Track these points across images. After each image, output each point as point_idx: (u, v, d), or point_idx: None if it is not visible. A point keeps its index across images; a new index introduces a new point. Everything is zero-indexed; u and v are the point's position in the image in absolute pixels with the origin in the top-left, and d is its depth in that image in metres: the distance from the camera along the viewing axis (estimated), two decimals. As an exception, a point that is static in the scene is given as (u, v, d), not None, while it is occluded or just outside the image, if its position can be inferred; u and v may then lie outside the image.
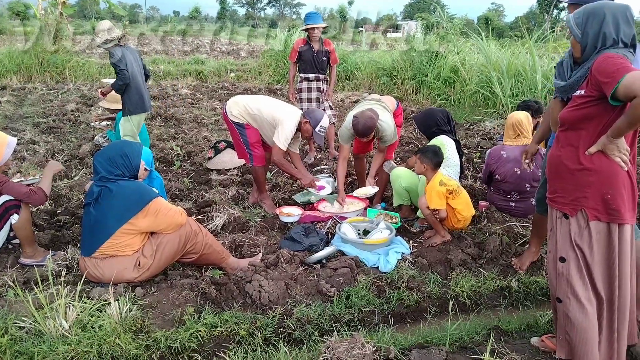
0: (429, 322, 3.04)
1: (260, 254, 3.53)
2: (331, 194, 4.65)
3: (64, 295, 2.67)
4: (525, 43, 10.11)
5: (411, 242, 3.91)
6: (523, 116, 4.27)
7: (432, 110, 4.57)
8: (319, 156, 6.59)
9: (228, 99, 4.60)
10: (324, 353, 2.35)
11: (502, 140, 5.51)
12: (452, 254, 3.60)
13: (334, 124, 6.22)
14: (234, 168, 5.84)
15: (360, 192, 4.53)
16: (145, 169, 3.62)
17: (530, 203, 4.22)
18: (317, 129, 4.29)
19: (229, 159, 5.86)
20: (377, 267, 3.46)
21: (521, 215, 4.30)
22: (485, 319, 3.08)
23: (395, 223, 4.07)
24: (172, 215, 3.13)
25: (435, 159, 3.78)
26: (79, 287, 2.79)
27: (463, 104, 9.91)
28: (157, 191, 3.22)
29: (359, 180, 5.15)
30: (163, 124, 8.55)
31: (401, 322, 3.06)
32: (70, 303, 2.67)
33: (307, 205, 4.66)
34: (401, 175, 4.35)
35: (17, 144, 6.67)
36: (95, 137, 6.83)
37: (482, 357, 2.42)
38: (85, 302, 2.77)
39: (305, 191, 4.71)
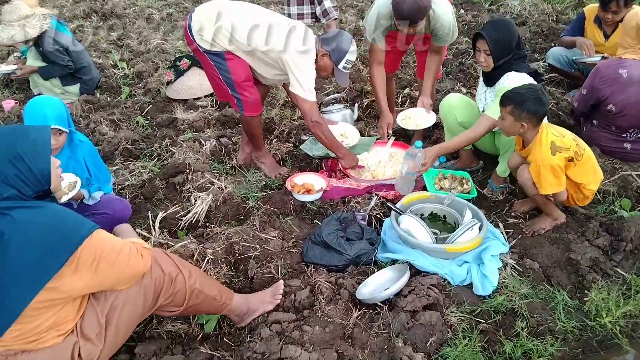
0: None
1: (281, 284, 2.15)
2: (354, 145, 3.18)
3: None
4: None
5: (499, 221, 2.57)
6: None
7: (505, 20, 2.94)
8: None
9: None
10: None
11: (567, 34, 4.00)
12: (575, 250, 2.31)
13: (336, 19, 4.49)
14: (205, 96, 4.21)
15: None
16: (61, 132, 2.24)
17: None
18: (341, 66, 2.70)
19: (197, 83, 4.20)
20: (468, 285, 2.19)
21: (638, 159, 2.99)
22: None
23: (468, 192, 2.69)
24: (124, 262, 1.67)
25: (540, 109, 2.27)
26: None
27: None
28: (94, 224, 1.67)
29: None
30: (100, 23, 6.57)
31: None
32: None
33: (325, 160, 3.19)
34: (454, 106, 2.90)
35: None
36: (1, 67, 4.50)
37: None
38: None
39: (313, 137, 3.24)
